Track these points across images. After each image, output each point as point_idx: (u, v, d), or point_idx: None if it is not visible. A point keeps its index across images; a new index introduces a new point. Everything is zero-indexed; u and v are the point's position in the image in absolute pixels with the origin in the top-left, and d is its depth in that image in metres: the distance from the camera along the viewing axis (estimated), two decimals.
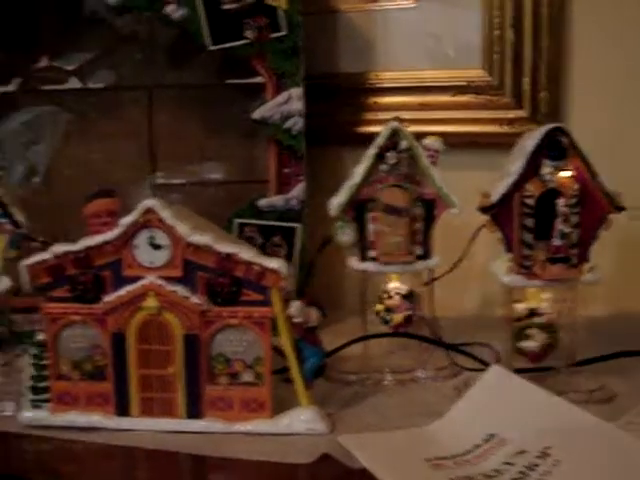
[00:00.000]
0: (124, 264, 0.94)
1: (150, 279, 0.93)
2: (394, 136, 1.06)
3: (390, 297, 1.14)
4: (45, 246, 1.00)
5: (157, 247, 0.93)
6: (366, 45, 1.43)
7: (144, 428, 0.98)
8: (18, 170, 1.32)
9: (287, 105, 1.25)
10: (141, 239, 0.93)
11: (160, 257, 0.93)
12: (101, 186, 0.98)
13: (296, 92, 1.25)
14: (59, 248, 0.94)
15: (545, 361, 1.05)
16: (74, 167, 1.36)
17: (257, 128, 1.28)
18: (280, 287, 0.93)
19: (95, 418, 0.98)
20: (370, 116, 1.43)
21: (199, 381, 0.96)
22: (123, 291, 0.95)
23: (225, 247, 0.92)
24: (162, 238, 0.93)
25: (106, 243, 0.94)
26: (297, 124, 1.25)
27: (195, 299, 0.93)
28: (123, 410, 0.97)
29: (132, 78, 1.34)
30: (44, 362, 0.98)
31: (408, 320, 1.15)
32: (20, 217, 1.01)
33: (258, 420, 0.96)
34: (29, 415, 0.99)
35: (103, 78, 1.34)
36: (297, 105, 1.25)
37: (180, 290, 0.93)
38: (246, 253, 0.92)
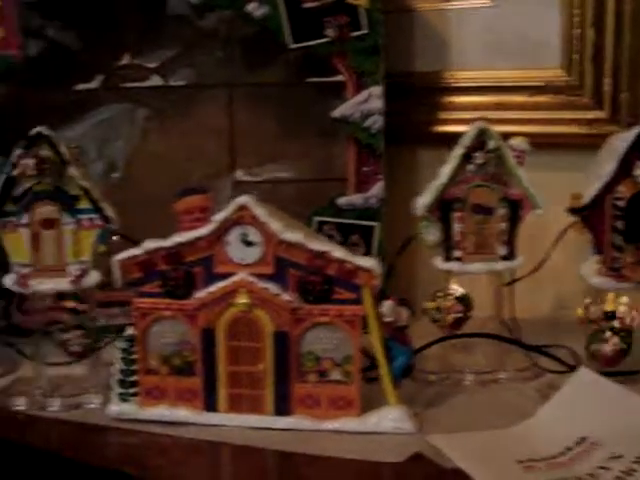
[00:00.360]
0: (216, 260, 0.95)
1: (241, 276, 0.94)
2: (481, 136, 1.04)
3: (444, 297, 1.13)
4: (128, 242, 1.00)
5: (249, 244, 0.93)
6: (442, 44, 1.42)
7: (231, 424, 0.97)
8: (97, 166, 1.32)
9: (367, 104, 1.25)
10: (233, 236, 0.93)
11: (252, 254, 0.94)
12: (185, 184, 0.98)
13: (376, 91, 1.24)
14: (151, 244, 0.95)
15: (617, 366, 1.03)
16: (153, 164, 1.36)
17: (336, 126, 1.26)
18: (372, 286, 0.92)
19: (183, 413, 0.98)
20: (445, 115, 1.43)
21: (288, 378, 0.96)
22: (214, 287, 0.95)
23: (318, 245, 0.92)
24: (255, 235, 0.93)
25: (198, 239, 0.94)
26: (377, 123, 1.25)
27: (286, 296, 0.93)
28: (211, 406, 0.98)
29: (212, 76, 1.34)
30: (133, 356, 0.98)
31: (458, 322, 1.16)
32: (110, 212, 1.01)
33: (346, 418, 0.96)
34: (117, 408, 1.00)
35: (184, 76, 1.34)
36: (377, 104, 1.24)
37: (271, 287, 0.93)
38: (339, 251, 0.92)
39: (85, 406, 1.07)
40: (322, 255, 0.92)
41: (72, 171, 1.02)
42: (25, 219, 1.05)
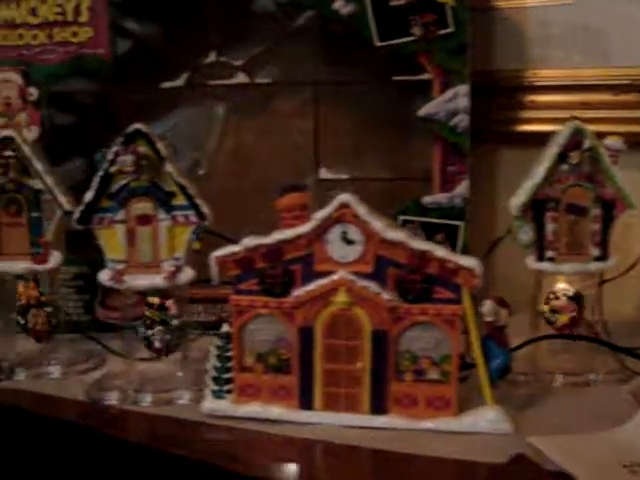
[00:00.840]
0: (315, 258, 0.95)
1: (341, 274, 0.93)
2: (576, 135, 1.03)
3: (557, 298, 1.12)
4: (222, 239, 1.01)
5: (350, 242, 0.93)
6: (523, 42, 1.41)
7: (326, 422, 0.97)
8: (182, 163, 1.32)
9: (453, 102, 1.24)
10: (334, 234, 0.93)
11: (352, 252, 0.93)
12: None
13: (462, 89, 1.24)
14: (250, 241, 0.95)
15: None
16: (236, 161, 1.37)
17: (421, 125, 1.25)
18: (472, 285, 0.91)
19: (277, 411, 0.98)
20: (528, 114, 1.41)
21: (385, 377, 0.95)
22: (313, 285, 0.95)
23: (419, 244, 0.92)
24: (355, 233, 0.93)
25: (298, 237, 0.94)
26: (463, 122, 1.24)
27: (386, 295, 0.93)
28: (306, 404, 0.98)
29: (298, 73, 1.34)
30: (228, 354, 0.98)
31: (573, 322, 1.14)
32: (206, 209, 1.01)
33: (442, 418, 0.95)
34: (211, 405, 1.00)
35: (269, 73, 1.34)
36: (463, 102, 1.24)
37: (371, 286, 0.93)
38: (440, 250, 0.91)
39: (176, 402, 1.05)
40: (423, 254, 0.92)
41: (169, 168, 1.01)
42: (121, 215, 1.05)
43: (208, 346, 1.03)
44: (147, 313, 1.08)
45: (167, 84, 1.37)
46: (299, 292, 0.96)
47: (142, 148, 1.01)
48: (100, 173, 1.04)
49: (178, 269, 1.05)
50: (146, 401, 1.08)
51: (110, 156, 1.02)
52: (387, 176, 1.36)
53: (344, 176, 1.36)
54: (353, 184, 1.34)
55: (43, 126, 1.33)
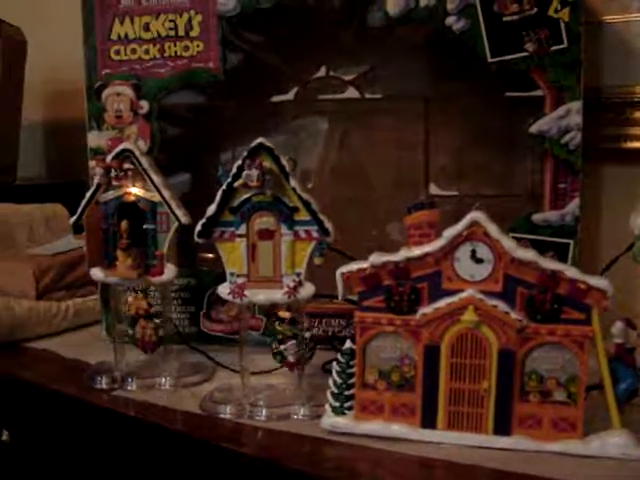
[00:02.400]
0: (444, 277, 0.94)
1: (470, 292, 0.93)
2: None
3: None
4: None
5: (479, 261, 0.92)
6: (631, 57, 1.38)
7: (449, 441, 0.97)
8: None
9: (565, 119, 1.22)
10: (463, 252, 0.93)
11: (481, 271, 0.93)
12: (417, 199, 0.97)
13: (575, 106, 1.22)
14: (377, 258, 0.94)
15: None
16: (345, 175, 1.36)
17: (530, 142, 1.24)
18: (602, 306, 0.90)
19: (398, 428, 0.98)
20: (635, 131, 1.38)
21: (510, 397, 0.95)
22: (441, 304, 0.94)
23: (549, 264, 0.91)
24: (485, 252, 0.92)
25: (427, 255, 0.93)
26: (575, 139, 1.23)
27: (514, 315, 0.92)
28: (429, 422, 0.97)
29: (408, 89, 1.33)
30: (350, 370, 0.98)
31: None
32: (329, 225, 1.01)
33: (568, 440, 0.93)
34: (331, 421, 1.00)
35: (380, 88, 1.33)
36: (576, 119, 1.22)
37: (500, 305, 0.92)
38: (571, 270, 0.90)
39: (292, 417, 1.05)
40: (554, 274, 0.91)
41: (292, 183, 1.02)
42: (243, 229, 1.05)
43: (320, 361, 1.05)
44: (278, 327, 1.09)
45: (276, 98, 1.39)
46: (426, 310, 0.96)
47: (267, 163, 1.01)
48: (223, 187, 1.04)
49: (299, 284, 1.04)
50: (262, 415, 1.07)
51: (234, 170, 1.02)
52: (494, 192, 1.33)
53: (453, 192, 1.34)
54: (461, 201, 1.32)
55: (153, 139, 1.33)
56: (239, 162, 1.03)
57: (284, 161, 1.02)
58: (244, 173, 1.01)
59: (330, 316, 1.27)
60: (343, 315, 1.32)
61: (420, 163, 1.34)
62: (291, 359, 1.08)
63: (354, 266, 0.96)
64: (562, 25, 1.22)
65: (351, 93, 1.36)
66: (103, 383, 1.22)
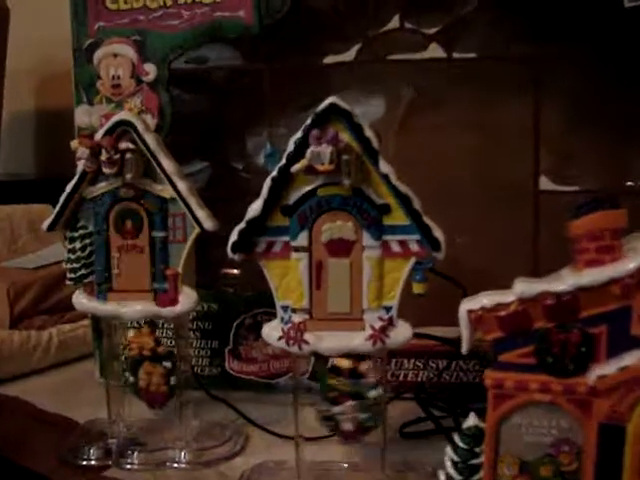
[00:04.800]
0: (634, 317, 0.57)
1: None
2: None
3: None
4: None
5: None
6: None
7: None
8: None
9: None
10: None
11: None
12: (588, 197, 0.61)
13: None
14: (529, 287, 0.58)
15: None
16: (421, 159, 1.04)
17: None
18: None
19: None
20: None
21: None
22: (631, 360, 0.58)
23: None
24: None
25: (611, 282, 0.56)
26: None
27: None
28: None
29: (508, 47, 0.97)
30: (475, 460, 0.62)
31: None
32: (438, 234, 0.67)
33: None
34: None
35: (471, 46, 0.98)
36: None
37: None
38: None
39: None
40: None
41: (383, 167, 0.64)
42: (303, 239, 0.69)
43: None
44: (331, 382, 0.74)
45: (331, 59, 1.04)
46: (605, 370, 0.62)
47: (344, 135, 0.63)
48: (273, 174, 0.67)
49: (389, 324, 0.67)
50: None
51: (291, 147, 0.65)
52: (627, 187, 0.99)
53: (571, 188, 0.98)
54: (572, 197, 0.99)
55: (161, 115, 1.01)
56: (299, 134, 0.65)
57: (370, 134, 0.64)
58: (309, 151, 0.65)
59: (401, 355, 0.92)
60: (420, 355, 0.98)
61: (526, 148, 1.00)
62: (348, 427, 0.74)
63: (490, 300, 0.59)
64: None
65: (434, 52, 1.01)
66: (92, 457, 0.87)
